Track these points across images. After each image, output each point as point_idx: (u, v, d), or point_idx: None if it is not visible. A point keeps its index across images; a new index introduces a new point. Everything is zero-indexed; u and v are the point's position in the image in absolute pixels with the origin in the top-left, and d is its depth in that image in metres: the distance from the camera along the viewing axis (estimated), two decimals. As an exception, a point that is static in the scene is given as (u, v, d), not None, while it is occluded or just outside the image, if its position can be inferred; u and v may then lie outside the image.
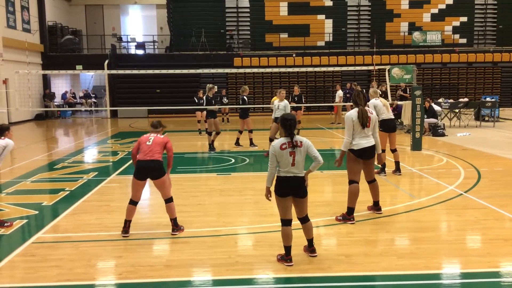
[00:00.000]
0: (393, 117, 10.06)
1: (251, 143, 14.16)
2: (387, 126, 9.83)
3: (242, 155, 12.89)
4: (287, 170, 5.28)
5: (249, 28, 31.36)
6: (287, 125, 5.31)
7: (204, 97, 13.93)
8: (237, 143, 14.35)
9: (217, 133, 14.02)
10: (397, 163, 10.16)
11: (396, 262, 5.39)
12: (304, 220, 5.49)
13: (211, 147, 13.72)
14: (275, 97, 15.51)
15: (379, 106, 9.63)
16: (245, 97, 14.17)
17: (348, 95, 21.03)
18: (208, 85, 14.28)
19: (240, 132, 14.49)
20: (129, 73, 18.26)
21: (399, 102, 16.83)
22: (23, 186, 9.62)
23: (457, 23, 31.27)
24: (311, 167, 5.50)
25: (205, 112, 15.50)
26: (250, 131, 14.23)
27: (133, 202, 6.40)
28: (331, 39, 30.49)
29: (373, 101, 9.63)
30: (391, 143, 10.04)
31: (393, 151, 10.10)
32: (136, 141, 6.54)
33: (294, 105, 16.42)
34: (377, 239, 6.27)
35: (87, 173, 10.88)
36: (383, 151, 9.98)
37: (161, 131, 6.59)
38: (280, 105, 12.54)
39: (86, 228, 6.82)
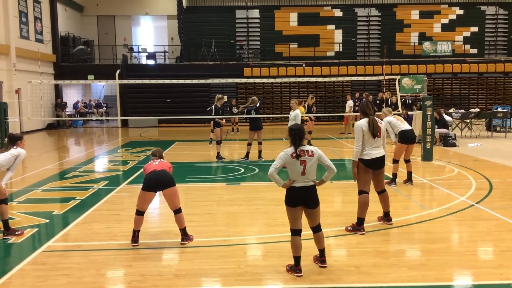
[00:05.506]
0: (410, 128, 10.02)
1: (218, 156, 13.82)
2: (405, 137, 9.79)
3: (252, 165, 12.88)
4: (296, 180, 5.27)
5: (259, 38, 31.54)
6: (292, 135, 5.33)
7: (213, 107, 13.93)
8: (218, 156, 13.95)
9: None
10: (409, 174, 10.10)
11: (407, 274, 5.34)
12: (316, 229, 5.46)
13: (219, 156, 13.73)
14: (297, 106, 14.85)
15: (393, 122, 9.82)
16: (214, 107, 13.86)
17: (357, 105, 21.01)
18: (217, 95, 14.29)
19: (213, 141, 14.23)
20: (140, 83, 18.38)
21: (410, 112, 16.75)
22: (34, 194, 9.69)
23: (467, 33, 31.19)
24: (324, 177, 5.49)
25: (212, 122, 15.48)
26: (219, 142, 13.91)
27: (140, 213, 6.40)
28: (341, 49, 30.52)
29: (386, 119, 9.77)
30: (407, 153, 9.99)
31: (407, 161, 10.04)
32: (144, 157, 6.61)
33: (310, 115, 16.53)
34: (387, 250, 6.22)
35: (97, 182, 10.93)
36: (397, 161, 9.96)
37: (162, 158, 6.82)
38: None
39: (96, 237, 6.85)
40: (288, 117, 15.48)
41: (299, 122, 12.36)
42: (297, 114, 12.57)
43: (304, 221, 5.41)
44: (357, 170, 6.84)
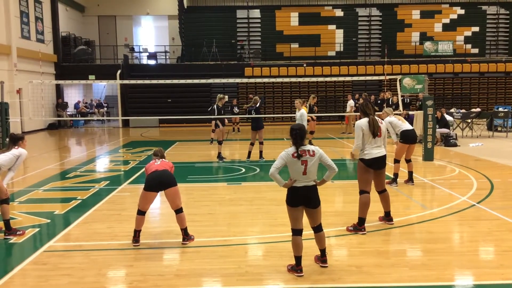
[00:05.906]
0: (411, 127, 10.03)
1: (219, 156, 13.82)
2: (407, 137, 9.80)
3: (253, 165, 12.88)
4: (297, 179, 5.27)
5: (260, 38, 31.52)
6: (292, 134, 5.34)
7: (214, 107, 13.96)
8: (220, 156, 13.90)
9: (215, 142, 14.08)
10: (410, 173, 10.10)
11: (408, 274, 5.34)
12: (317, 229, 5.47)
13: (220, 156, 13.74)
14: (302, 106, 14.53)
15: (394, 122, 9.85)
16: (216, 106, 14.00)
17: (356, 105, 21.03)
18: (218, 95, 14.33)
19: (214, 141, 14.31)
20: (141, 83, 18.41)
21: (411, 112, 16.75)
22: (35, 194, 9.70)
23: (468, 33, 31.15)
24: (326, 176, 5.50)
25: (213, 122, 15.50)
26: (220, 142, 14.00)
27: (142, 213, 6.41)
28: (341, 49, 30.51)
29: (388, 119, 9.80)
30: (408, 153, 9.99)
31: (408, 161, 10.05)
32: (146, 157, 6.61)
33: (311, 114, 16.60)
34: (388, 250, 6.22)
35: (98, 182, 10.94)
36: (398, 161, 9.97)
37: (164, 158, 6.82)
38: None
39: (97, 237, 6.85)
40: (289, 116, 15.54)
41: (305, 121, 12.34)
42: (302, 113, 12.51)
43: (305, 221, 5.41)
44: (358, 170, 6.90)
